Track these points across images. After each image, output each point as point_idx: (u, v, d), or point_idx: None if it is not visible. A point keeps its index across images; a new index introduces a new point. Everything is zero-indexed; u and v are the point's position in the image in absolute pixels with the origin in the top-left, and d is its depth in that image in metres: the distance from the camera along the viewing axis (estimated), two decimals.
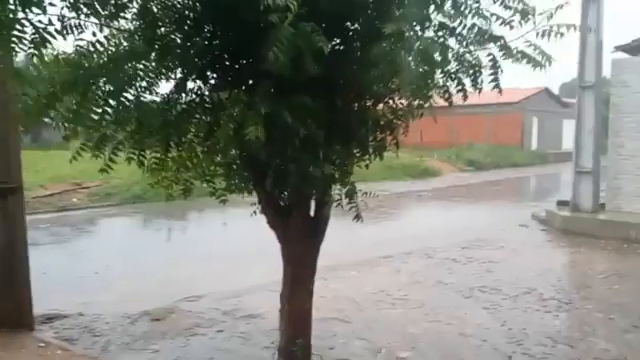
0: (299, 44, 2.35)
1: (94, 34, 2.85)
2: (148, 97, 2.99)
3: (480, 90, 3.11)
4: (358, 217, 3.13)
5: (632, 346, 4.79)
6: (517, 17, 2.82)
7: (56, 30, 2.68)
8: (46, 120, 3.09)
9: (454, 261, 8.03)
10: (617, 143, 10.86)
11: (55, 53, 2.95)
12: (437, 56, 2.91)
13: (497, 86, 2.96)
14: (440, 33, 2.91)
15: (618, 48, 12.10)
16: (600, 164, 10.92)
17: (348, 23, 2.86)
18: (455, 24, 2.90)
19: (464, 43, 2.97)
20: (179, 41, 2.91)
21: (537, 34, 2.81)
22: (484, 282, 6.83)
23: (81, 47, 2.80)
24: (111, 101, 2.89)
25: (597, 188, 10.88)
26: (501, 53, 2.91)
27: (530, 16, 2.80)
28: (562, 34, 2.79)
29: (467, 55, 3.01)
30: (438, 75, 3.08)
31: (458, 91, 3.13)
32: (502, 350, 4.70)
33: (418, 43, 2.69)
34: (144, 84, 2.94)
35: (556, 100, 36.95)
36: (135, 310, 5.62)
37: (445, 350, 4.70)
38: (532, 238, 10.14)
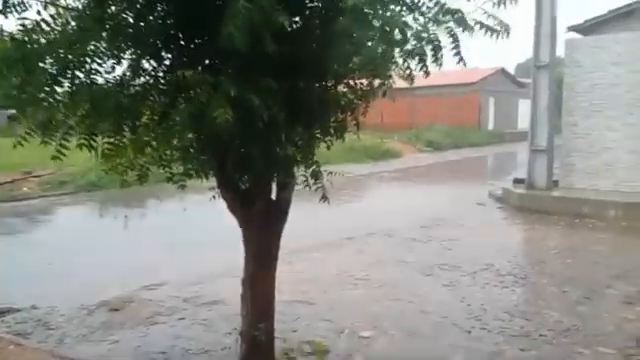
0: (255, 20, 2.27)
1: (39, 12, 2.69)
2: (100, 79, 2.86)
3: (441, 66, 3.08)
4: (325, 198, 3.10)
5: (583, 317, 4.99)
6: None
7: None
8: None
9: (415, 240, 8.16)
10: (570, 122, 11.21)
11: None
12: (397, 34, 2.88)
13: (461, 59, 2.92)
14: (399, 9, 2.87)
15: (571, 28, 12.42)
16: (554, 143, 11.26)
17: (307, 1, 2.79)
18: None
19: (422, 19, 2.94)
20: (131, 20, 2.78)
21: (493, 4, 2.80)
22: (444, 260, 6.97)
23: (25, 26, 2.64)
24: (59, 83, 2.74)
25: (551, 166, 11.24)
26: (457, 26, 2.88)
27: None
28: (517, 1, 2.79)
29: (427, 33, 2.98)
30: (398, 54, 3.05)
31: (420, 68, 3.09)
32: (462, 325, 4.81)
33: (378, 21, 2.65)
34: (95, 65, 2.81)
35: (512, 80, 37.77)
36: (92, 301, 5.47)
37: (407, 327, 4.78)
38: (489, 216, 10.41)
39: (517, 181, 12.07)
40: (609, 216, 9.58)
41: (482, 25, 2.78)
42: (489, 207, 11.32)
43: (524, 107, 25.93)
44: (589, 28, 12.13)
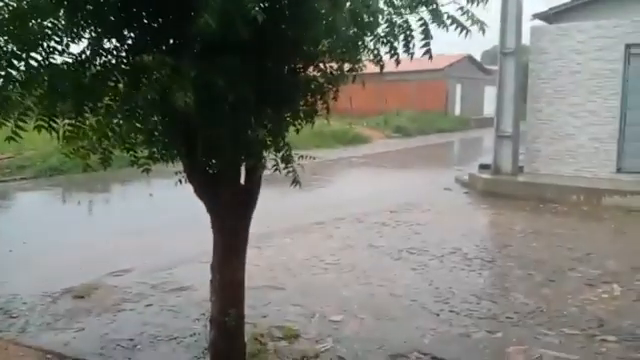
0: (229, 9, 2.20)
1: None
2: (58, 58, 2.73)
3: (412, 55, 3.07)
4: (296, 182, 3.05)
5: (548, 299, 5.12)
6: None
7: None
8: None
9: (384, 225, 8.21)
10: (535, 108, 11.43)
11: None
12: (366, 17, 2.84)
13: (428, 52, 2.93)
14: None
15: (536, 16, 12.60)
16: (520, 129, 11.47)
17: None
18: None
19: (395, 5, 2.91)
20: None
21: (467, 0, 2.79)
22: (412, 244, 7.04)
23: None
24: (16, 62, 2.60)
25: (516, 152, 11.46)
26: (431, 18, 2.87)
27: None
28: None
29: (397, 18, 2.95)
30: (368, 38, 3.01)
31: (391, 56, 3.08)
32: (430, 308, 4.88)
33: (348, 3, 2.61)
34: (53, 44, 2.67)
35: (478, 67, 38.23)
36: (56, 288, 5.32)
37: (376, 311, 4.81)
38: (456, 201, 10.56)
39: (483, 167, 12.27)
40: (571, 201, 9.85)
41: (454, 21, 2.77)
42: (456, 192, 11.48)
43: (490, 93, 26.28)
44: (554, 16, 12.35)
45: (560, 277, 5.79)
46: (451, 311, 4.82)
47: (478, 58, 40.98)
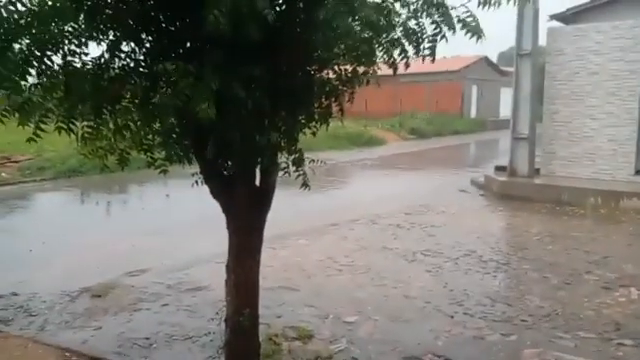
0: (242, 8, 2.24)
1: None
2: (78, 61, 2.79)
3: (424, 58, 3.09)
4: (305, 185, 3.08)
5: (563, 302, 5.08)
6: None
7: None
8: None
9: (398, 227, 8.20)
10: (552, 110, 11.31)
11: None
12: (382, 22, 2.86)
13: (432, 53, 2.94)
14: None
15: (553, 17, 12.48)
16: (536, 130, 11.37)
17: None
18: None
19: (409, 9, 2.93)
20: (109, 0, 2.71)
21: (479, 4, 2.79)
22: (427, 246, 7.03)
23: None
24: (35, 63, 2.66)
25: (533, 154, 11.35)
26: (442, 21, 2.88)
27: None
28: (500, 3, 2.79)
29: (411, 22, 2.97)
30: (382, 40, 3.03)
31: (402, 58, 3.10)
32: (445, 311, 4.86)
33: (363, 8, 2.63)
34: (72, 47, 2.74)
35: (494, 68, 37.96)
36: (74, 287, 5.41)
37: (390, 312, 4.81)
38: (472, 203, 10.50)
39: (499, 168, 12.19)
40: (589, 204, 9.73)
41: (465, 24, 2.78)
42: (471, 194, 11.42)
43: (506, 95, 26.10)
44: (571, 17, 12.21)
45: (576, 280, 5.73)
46: (465, 313, 4.81)
47: (494, 60, 40.70)
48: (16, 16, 2.48)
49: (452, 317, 4.73)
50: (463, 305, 4.99)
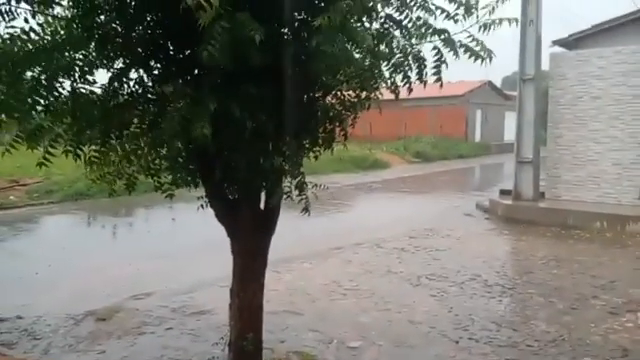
0: (237, 35, 2.29)
1: (26, 21, 2.70)
2: (87, 87, 2.87)
3: (425, 83, 3.15)
4: (306, 210, 3.11)
5: (570, 327, 5.03)
6: (461, 11, 2.86)
7: None
8: None
9: (403, 250, 8.18)
10: (556, 134, 11.36)
11: None
12: (383, 48, 2.93)
13: (439, 79, 3.01)
14: (386, 25, 2.93)
15: (556, 42, 12.61)
16: (540, 154, 11.39)
17: (295, 12, 2.83)
18: (401, 17, 2.93)
19: (408, 36, 3.00)
20: (120, 29, 2.79)
21: (479, 28, 2.86)
22: (431, 270, 7.00)
23: (12, 35, 2.65)
24: (43, 91, 2.74)
25: (537, 177, 11.36)
26: (444, 46, 2.95)
27: (474, 10, 2.85)
28: (500, 24, 2.85)
29: (411, 48, 3.04)
30: (384, 67, 3.10)
31: (404, 84, 3.16)
32: (450, 336, 4.83)
33: (362, 36, 2.69)
34: (83, 74, 2.82)
35: (498, 93, 38.13)
36: (79, 310, 5.42)
37: (395, 338, 4.78)
38: (476, 226, 10.47)
39: (504, 192, 12.18)
40: (594, 227, 9.69)
41: (467, 49, 2.84)
42: (476, 218, 11.40)
43: (511, 119, 26.20)
44: (573, 42, 12.33)
45: (582, 305, 5.69)
46: (471, 338, 4.77)
47: (498, 84, 40.92)
48: (30, 46, 2.57)
49: (457, 342, 4.70)
50: (468, 330, 4.96)
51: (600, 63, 10.77)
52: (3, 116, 2.80)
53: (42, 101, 2.69)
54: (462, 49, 2.89)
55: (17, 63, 2.58)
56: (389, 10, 2.93)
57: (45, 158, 2.78)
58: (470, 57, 2.91)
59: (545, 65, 11.51)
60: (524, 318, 5.34)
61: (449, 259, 7.62)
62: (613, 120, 10.66)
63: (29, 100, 2.66)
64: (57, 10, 2.84)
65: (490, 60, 2.89)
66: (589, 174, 10.94)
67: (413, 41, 2.95)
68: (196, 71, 2.89)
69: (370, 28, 2.91)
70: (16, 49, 2.56)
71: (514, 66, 11.39)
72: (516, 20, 2.91)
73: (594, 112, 10.84)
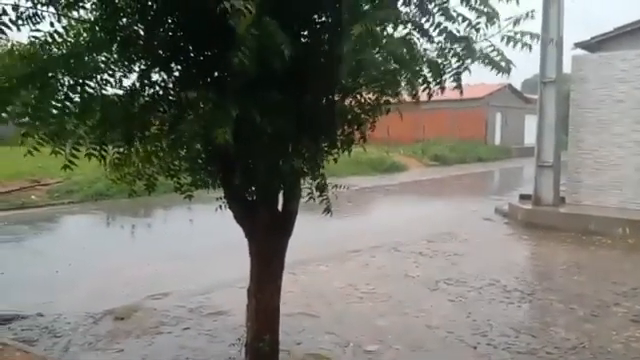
0: (264, 44, 2.30)
1: (52, 24, 2.75)
2: (110, 90, 2.91)
3: (443, 89, 3.15)
4: (328, 210, 3.12)
5: (590, 335, 4.95)
6: (483, 20, 2.84)
7: (11, 20, 2.57)
8: (3, 115, 2.93)
9: (420, 254, 8.13)
10: (577, 138, 11.18)
11: (10, 45, 2.83)
12: (405, 54, 2.92)
13: (459, 86, 2.99)
14: (409, 31, 2.92)
15: (578, 45, 12.44)
16: (561, 158, 11.23)
17: (316, 16, 2.83)
18: (425, 24, 2.91)
19: (432, 43, 2.99)
20: (142, 32, 2.83)
21: (502, 39, 2.84)
22: (449, 275, 6.94)
23: (37, 38, 2.70)
24: (72, 95, 2.78)
25: (558, 182, 11.19)
26: (465, 55, 2.93)
27: (495, 20, 2.82)
28: (526, 44, 2.83)
29: (433, 54, 3.03)
30: (405, 72, 3.09)
31: (424, 89, 3.16)
32: (467, 341, 4.78)
33: (387, 42, 2.69)
34: (106, 76, 2.86)
35: (519, 96, 37.74)
36: (98, 309, 5.48)
37: (412, 342, 4.75)
38: (496, 231, 10.36)
39: (523, 197, 12.03)
40: (616, 233, 9.51)
41: (489, 60, 2.82)
42: (496, 222, 11.28)
43: (531, 122, 25.89)
44: (595, 45, 12.16)
45: (604, 312, 5.59)
46: (489, 344, 4.72)
47: (519, 87, 40.51)
48: (55, 49, 2.61)
49: (475, 348, 4.65)
50: (487, 336, 4.90)
51: (623, 66, 10.58)
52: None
53: (71, 105, 2.73)
54: (481, 59, 2.88)
55: (45, 69, 2.63)
56: (412, 17, 2.92)
57: (70, 161, 2.81)
58: (492, 69, 2.89)
59: (567, 68, 11.37)
60: (543, 324, 5.26)
61: (467, 264, 7.55)
62: (636, 124, 10.46)
63: (60, 105, 2.70)
64: (80, 13, 2.88)
65: (509, 72, 2.87)
66: (611, 179, 10.74)
67: (434, 47, 2.94)
68: (216, 74, 2.92)
69: (393, 34, 2.90)
70: (43, 53, 2.60)
71: (535, 69, 11.24)
72: (537, 36, 2.87)
73: (617, 116, 10.65)
